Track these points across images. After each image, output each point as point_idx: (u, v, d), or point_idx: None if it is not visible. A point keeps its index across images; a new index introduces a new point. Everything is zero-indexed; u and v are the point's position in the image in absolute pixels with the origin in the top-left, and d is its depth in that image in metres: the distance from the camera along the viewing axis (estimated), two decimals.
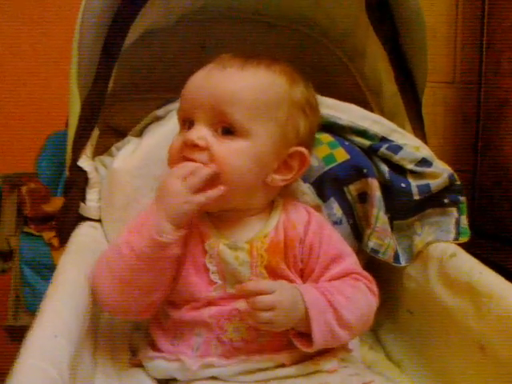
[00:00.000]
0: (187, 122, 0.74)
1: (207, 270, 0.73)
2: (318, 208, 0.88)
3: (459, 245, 0.88)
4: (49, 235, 1.25)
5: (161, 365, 0.71)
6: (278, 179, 0.75)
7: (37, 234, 1.29)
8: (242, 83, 0.72)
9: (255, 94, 0.72)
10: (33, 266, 1.27)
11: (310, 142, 0.79)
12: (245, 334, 0.71)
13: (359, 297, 0.74)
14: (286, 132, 0.74)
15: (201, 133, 0.71)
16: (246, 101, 0.71)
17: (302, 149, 0.76)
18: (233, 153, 0.71)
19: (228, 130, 0.72)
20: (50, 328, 0.57)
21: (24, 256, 1.28)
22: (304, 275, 0.75)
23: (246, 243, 0.74)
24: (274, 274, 0.73)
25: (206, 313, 0.71)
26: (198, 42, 1.07)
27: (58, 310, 0.61)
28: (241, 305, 0.71)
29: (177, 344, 0.72)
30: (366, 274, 0.77)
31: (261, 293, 0.66)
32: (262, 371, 0.70)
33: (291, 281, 0.74)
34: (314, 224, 0.78)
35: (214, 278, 0.73)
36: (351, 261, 0.78)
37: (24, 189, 1.27)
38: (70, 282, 0.68)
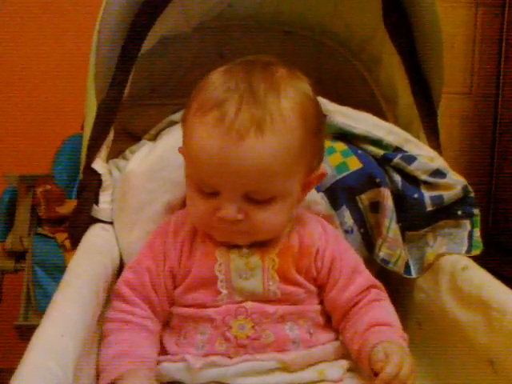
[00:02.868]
0: (208, 188, 0.71)
1: (215, 278, 0.73)
2: (330, 217, 0.88)
3: (471, 258, 0.87)
4: (62, 237, 1.26)
5: (166, 367, 0.71)
6: (302, 199, 0.77)
7: (50, 235, 1.31)
8: (269, 155, 0.66)
9: (284, 158, 0.68)
10: (45, 266, 1.29)
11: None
12: (250, 332, 0.71)
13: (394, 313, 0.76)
14: (311, 165, 0.74)
15: (237, 206, 0.69)
16: (278, 169, 0.68)
17: (323, 170, 0.77)
18: (272, 215, 0.71)
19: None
20: (57, 328, 0.58)
21: (37, 257, 1.30)
22: (327, 286, 0.76)
23: (256, 248, 0.74)
24: (284, 278, 0.74)
25: (212, 310, 0.72)
26: (216, 49, 1.08)
27: (66, 311, 0.61)
28: (247, 303, 0.72)
29: (182, 343, 0.73)
30: (379, 283, 0.79)
31: (400, 369, 0.65)
32: (266, 374, 0.69)
33: (301, 285, 0.75)
34: (330, 236, 0.79)
35: (221, 286, 0.73)
36: (367, 271, 0.79)
37: (39, 190, 1.29)
38: (78, 282, 0.68)
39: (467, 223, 0.90)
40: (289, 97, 0.69)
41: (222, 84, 0.69)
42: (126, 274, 0.76)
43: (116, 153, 0.95)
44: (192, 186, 0.73)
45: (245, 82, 0.68)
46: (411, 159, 0.91)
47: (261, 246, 0.74)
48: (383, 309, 0.76)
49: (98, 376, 0.68)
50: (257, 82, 0.69)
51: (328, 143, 0.93)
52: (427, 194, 0.89)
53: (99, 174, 0.86)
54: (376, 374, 0.65)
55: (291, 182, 0.71)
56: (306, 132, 0.70)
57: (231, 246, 0.74)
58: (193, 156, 0.71)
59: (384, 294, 0.78)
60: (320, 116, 0.76)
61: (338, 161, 0.91)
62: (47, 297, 1.18)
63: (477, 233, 0.89)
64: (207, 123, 0.67)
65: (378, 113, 1.00)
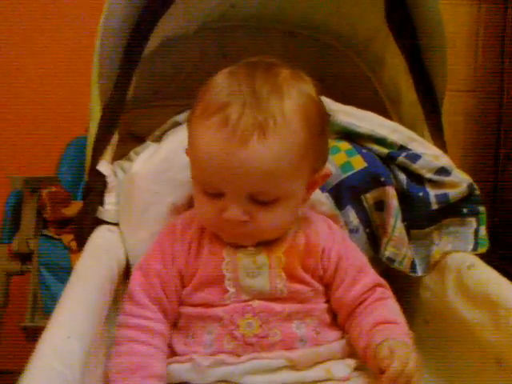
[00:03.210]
0: (212, 190, 0.71)
1: (223, 277, 0.73)
2: (335, 217, 0.88)
3: (478, 255, 0.86)
4: (68, 238, 1.27)
5: (174, 369, 0.71)
6: (306, 199, 0.78)
7: (56, 237, 1.31)
8: (272, 158, 0.67)
9: (288, 160, 0.68)
10: (51, 268, 1.30)
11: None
12: (257, 330, 0.71)
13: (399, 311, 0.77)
14: (315, 165, 0.74)
15: (242, 207, 0.69)
16: (282, 172, 0.68)
17: (328, 170, 0.78)
18: (277, 216, 0.71)
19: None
20: (64, 329, 0.58)
21: (43, 258, 1.30)
22: (333, 285, 0.77)
23: (263, 247, 0.74)
24: (291, 276, 0.74)
25: (220, 309, 0.72)
26: (219, 50, 1.08)
27: (73, 312, 0.62)
28: (254, 302, 0.72)
29: (189, 343, 0.73)
30: (384, 282, 0.79)
31: (406, 365, 0.65)
32: (273, 372, 0.69)
33: (308, 283, 0.75)
34: (337, 236, 0.80)
35: (229, 285, 0.73)
36: (373, 270, 0.80)
37: (44, 192, 1.30)
38: (85, 284, 0.68)
39: (473, 221, 0.89)
40: (292, 99, 0.70)
41: (226, 87, 0.69)
42: (137, 276, 0.76)
43: (121, 155, 0.95)
44: (198, 187, 0.73)
45: (248, 84, 0.69)
46: (416, 157, 0.91)
47: (267, 244, 0.75)
48: (388, 307, 0.76)
49: (105, 378, 0.68)
50: (260, 84, 0.69)
51: (332, 143, 0.92)
52: (432, 193, 0.89)
53: (104, 176, 0.87)
54: (382, 372, 0.65)
55: (295, 183, 0.71)
56: (310, 133, 0.70)
57: (238, 245, 0.74)
58: (197, 158, 0.72)
59: (389, 293, 0.78)
60: (324, 117, 0.76)
61: (342, 160, 0.91)
62: (53, 298, 1.19)
63: (483, 230, 0.89)
64: (210, 127, 0.68)
65: (382, 112, 1.00)
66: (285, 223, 0.74)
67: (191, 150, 0.74)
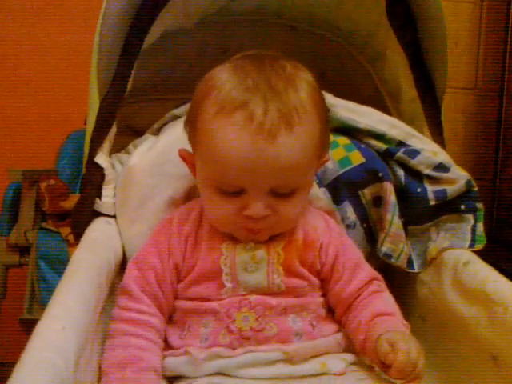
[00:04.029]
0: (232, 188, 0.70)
1: (220, 271, 0.73)
2: (332, 213, 0.88)
3: (475, 252, 0.86)
4: (66, 231, 1.27)
5: (170, 362, 0.71)
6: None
7: (54, 229, 1.31)
8: (299, 149, 0.68)
9: (309, 150, 0.70)
10: (49, 261, 1.30)
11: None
12: (253, 324, 0.71)
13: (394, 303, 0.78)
14: (321, 154, 0.76)
15: (264, 202, 0.69)
16: (305, 162, 0.70)
17: (328, 156, 0.79)
18: (295, 206, 0.72)
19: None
20: (59, 320, 0.58)
21: (41, 251, 1.30)
22: (331, 281, 0.77)
23: (262, 243, 0.74)
24: (289, 271, 0.74)
25: (216, 302, 0.72)
26: (219, 44, 1.08)
27: (67, 303, 0.61)
28: (251, 296, 0.72)
29: (185, 336, 0.73)
30: (379, 275, 0.80)
31: (409, 354, 0.65)
32: (268, 365, 0.69)
33: (305, 278, 0.75)
34: (334, 231, 0.80)
35: (226, 280, 0.73)
36: (368, 265, 0.80)
37: (43, 185, 1.30)
38: (80, 275, 0.68)
39: (470, 218, 0.89)
40: (304, 90, 0.70)
41: (239, 83, 0.68)
42: (132, 270, 0.76)
43: (119, 148, 0.95)
44: (211, 187, 0.72)
45: (262, 79, 0.68)
46: (414, 153, 0.90)
47: (267, 239, 0.75)
48: (384, 299, 0.76)
49: (100, 369, 0.68)
50: (274, 78, 0.69)
51: (331, 137, 0.92)
52: (430, 189, 0.89)
53: (102, 168, 0.86)
54: (385, 366, 0.66)
55: (310, 173, 0.73)
56: (321, 122, 0.72)
57: (238, 240, 0.74)
58: (217, 158, 0.69)
59: (384, 286, 0.79)
60: (326, 106, 0.78)
61: (340, 155, 0.91)
62: (51, 291, 1.19)
63: (480, 227, 0.89)
64: (234, 124, 0.66)
65: (382, 108, 0.99)
66: (300, 213, 0.75)
67: (207, 150, 0.70)
